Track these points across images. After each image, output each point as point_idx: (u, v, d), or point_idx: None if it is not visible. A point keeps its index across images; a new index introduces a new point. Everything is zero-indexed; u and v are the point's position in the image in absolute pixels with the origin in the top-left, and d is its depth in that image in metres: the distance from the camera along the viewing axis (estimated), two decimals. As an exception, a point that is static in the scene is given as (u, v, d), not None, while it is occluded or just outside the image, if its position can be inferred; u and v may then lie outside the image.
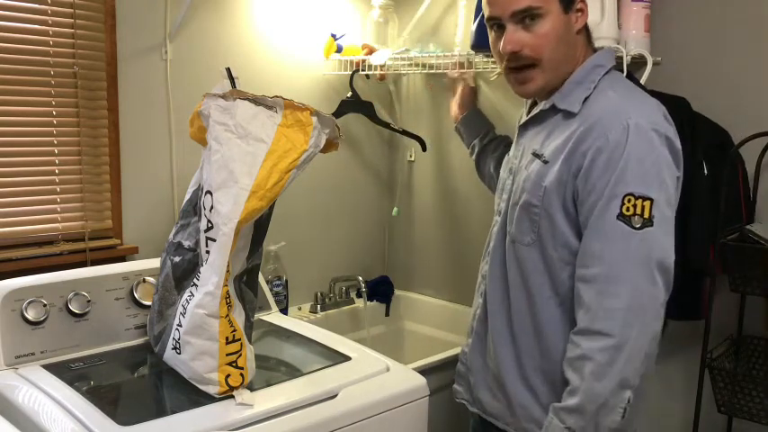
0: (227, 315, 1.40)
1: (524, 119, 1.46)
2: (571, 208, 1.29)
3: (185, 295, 1.46)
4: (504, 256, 1.43)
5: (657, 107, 1.32)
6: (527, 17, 1.30)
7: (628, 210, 1.21)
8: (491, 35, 1.39)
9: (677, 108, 1.82)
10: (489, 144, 1.81)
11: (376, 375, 1.52)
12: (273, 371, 1.57)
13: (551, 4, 1.30)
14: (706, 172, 1.79)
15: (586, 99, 1.31)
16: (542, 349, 1.38)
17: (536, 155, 1.36)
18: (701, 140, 1.79)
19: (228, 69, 1.54)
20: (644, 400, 1.31)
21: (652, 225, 1.21)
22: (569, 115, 1.32)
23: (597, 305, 1.22)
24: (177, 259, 1.55)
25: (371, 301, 2.49)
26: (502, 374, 1.44)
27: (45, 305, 1.54)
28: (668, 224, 1.24)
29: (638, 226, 1.21)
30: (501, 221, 1.46)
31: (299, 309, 2.40)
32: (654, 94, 1.84)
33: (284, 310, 2.24)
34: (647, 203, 1.21)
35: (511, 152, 1.50)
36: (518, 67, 1.34)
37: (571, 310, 1.31)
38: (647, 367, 1.25)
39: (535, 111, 1.41)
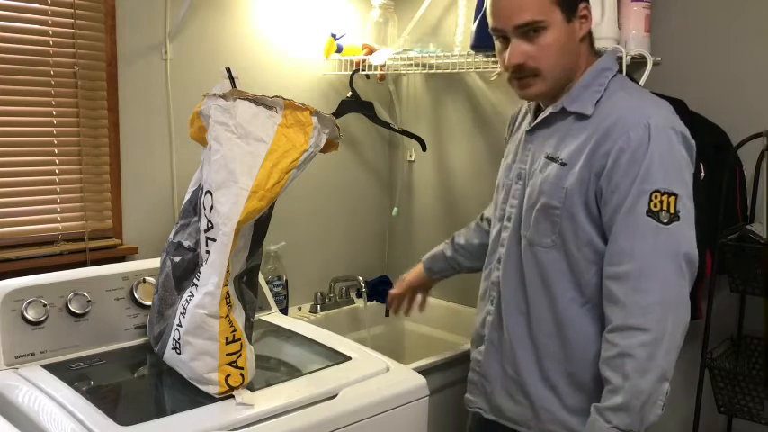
0: (227, 315, 1.40)
1: (532, 124, 1.45)
2: (594, 208, 1.31)
3: (185, 295, 1.46)
4: (520, 261, 1.43)
5: (669, 106, 1.35)
6: (530, 30, 1.31)
7: (656, 206, 1.24)
8: (496, 43, 1.39)
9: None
10: (456, 255, 1.76)
11: (376, 375, 1.52)
12: (273, 371, 1.57)
13: (553, 14, 1.30)
14: (703, 173, 1.79)
15: (598, 101, 1.33)
16: (566, 351, 1.38)
17: (551, 158, 1.36)
18: (698, 141, 1.79)
19: (228, 69, 1.54)
20: None
21: (679, 219, 1.25)
22: (582, 117, 1.34)
23: (631, 301, 1.24)
24: (177, 259, 1.55)
25: (371, 301, 2.49)
26: (523, 378, 1.44)
27: (45, 305, 1.54)
28: (691, 218, 1.28)
29: (665, 221, 1.24)
30: (513, 226, 1.45)
31: (299, 309, 2.40)
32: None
33: (284, 310, 2.24)
34: (672, 199, 1.24)
35: (510, 159, 1.51)
36: (521, 76, 1.37)
37: (596, 308, 1.33)
38: None
39: (543, 115, 1.41)
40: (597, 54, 1.41)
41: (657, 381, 1.23)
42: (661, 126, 1.27)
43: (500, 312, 1.48)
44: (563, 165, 1.34)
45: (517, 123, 1.55)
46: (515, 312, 1.45)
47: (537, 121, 1.43)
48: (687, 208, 1.27)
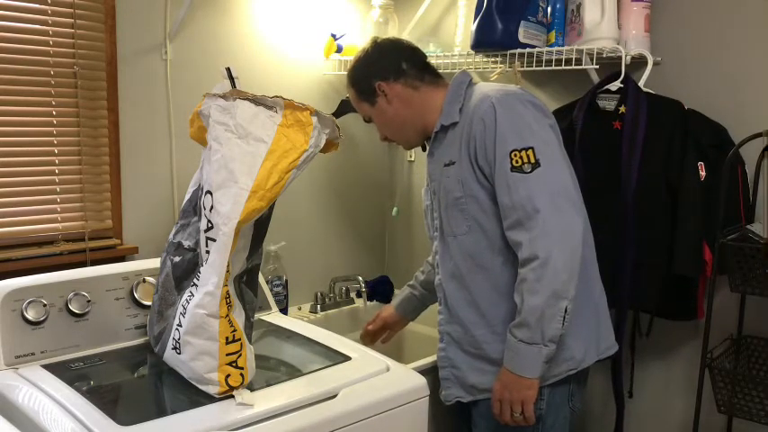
0: (227, 315, 1.40)
1: (428, 148, 1.69)
2: (486, 184, 1.54)
3: (185, 295, 1.46)
4: (452, 256, 1.62)
5: (515, 88, 1.58)
6: (369, 119, 1.70)
7: (517, 162, 1.47)
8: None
9: (669, 111, 1.82)
10: (423, 292, 1.94)
11: (376, 375, 1.53)
12: (273, 371, 1.57)
13: (364, 107, 1.66)
14: (704, 173, 1.78)
15: (462, 108, 1.59)
16: (506, 302, 1.54)
17: (446, 164, 1.60)
18: (695, 141, 1.79)
19: (228, 69, 1.54)
20: (586, 327, 1.56)
21: (540, 165, 1.46)
22: (455, 125, 1.59)
23: (526, 240, 1.45)
24: (177, 259, 1.55)
25: (371, 301, 2.49)
26: (475, 336, 1.59)
27: (45, 305, 1.54)
28: (554, 159, 1.49)
29: (528, 171, 1.46)
30: (439, 231, 1.65)
31: (299, 309, 2.40)
32: (649, 96, 1.85)
33: (284, 310, 2.24)
34: (529, 152, 1.47)
35: (426, 185, 1.73)
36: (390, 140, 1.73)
37: (512, 254, 1.53)
38: (577, 285, 1.45)
39: (432, 138, 1.64)
40: (441, 77, 1.66)
41: (549, 298, 1.42)
42: (503, 100, 1.51)
43: (447, 305, 1.65)
44: (453, 164, 1.58)
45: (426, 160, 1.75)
46: (461, 299, 1.61)
47: (430, 143, 1.67)
48: (547, 153, 1.48)
